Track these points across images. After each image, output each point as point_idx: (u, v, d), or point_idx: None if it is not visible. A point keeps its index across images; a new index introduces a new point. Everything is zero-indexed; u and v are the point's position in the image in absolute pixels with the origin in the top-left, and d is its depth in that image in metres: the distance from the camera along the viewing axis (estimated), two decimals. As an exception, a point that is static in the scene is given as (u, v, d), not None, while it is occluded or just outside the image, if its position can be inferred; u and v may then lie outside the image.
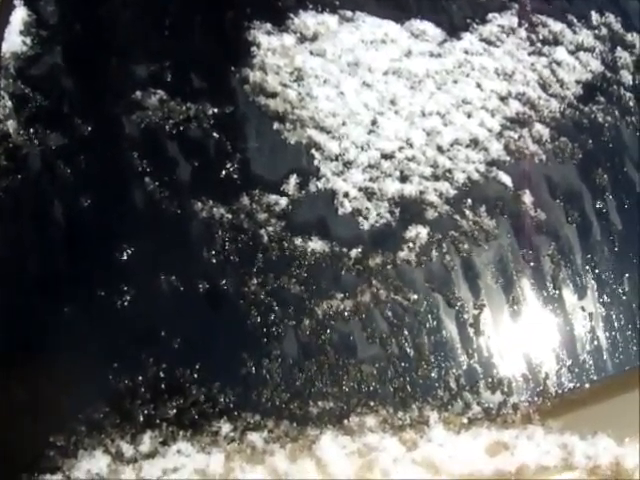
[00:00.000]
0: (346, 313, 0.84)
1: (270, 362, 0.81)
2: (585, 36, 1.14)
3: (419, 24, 1.04)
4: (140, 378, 0.76)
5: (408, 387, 0.84)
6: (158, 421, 0.75)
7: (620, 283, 0.97)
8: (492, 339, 0.88)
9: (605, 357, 0.94)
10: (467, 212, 0.92)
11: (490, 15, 1.10)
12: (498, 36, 1.08)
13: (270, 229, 0.86)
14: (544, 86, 1.06)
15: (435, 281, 0.88)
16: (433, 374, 0.85)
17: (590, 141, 1.05)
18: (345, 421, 0.81)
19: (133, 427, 0.74)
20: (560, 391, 0.90)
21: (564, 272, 0.94)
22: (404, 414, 0.83)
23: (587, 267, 0.96)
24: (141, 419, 0.75)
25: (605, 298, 0.96)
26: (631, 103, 1.11)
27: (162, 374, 0.77)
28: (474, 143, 0.97)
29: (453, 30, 1.06)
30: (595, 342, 0.94)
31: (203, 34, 0.95)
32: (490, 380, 0.87)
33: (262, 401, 0.80)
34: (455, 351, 0.87)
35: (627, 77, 1.14)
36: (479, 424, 0.85)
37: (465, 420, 0.85)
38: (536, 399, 0.89)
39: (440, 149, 0.95)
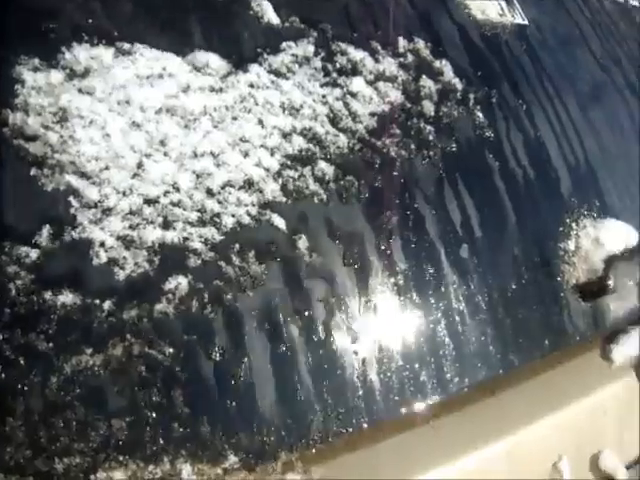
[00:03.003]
0: (96, 368, 0.93)
1: (14, 419, 0.89)
2: (387, 64, 1.24)
3: (202, 56, 1.11)
4: None
5: (160, 440, 0.94)
6: None
7: (397, 325, 1.08)
8: (253, 386, 0.98)
9: (376, 401, 1.05)
10: (234, 258, 1.01)
11: (285, 44, 1.19)
12: (290, 67, 1.17)
13: (19, 282, 0.93)
14: (334, 120, 1.15)
15: (194, 332, 0.97)
16: (187, 426, 0.94)
17: (379, 178, 1.14)
18: (92, 476, 0.90)
19: None
20: (325, 437, 1.01)
21: (337, 316, 1.04)
22: (155, 467, 0.92)
23: (363, 310, 1.07)
24: None
25: (380, 343, 1.06)
26: (430, 136, 1.22)
27: None
28: (248, 184, 1.06)
29: (240, 62, 1.14)
30: (367, 386, 1.04)
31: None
32: (249, 428, 0.97)
33: (5, 459, 0.88)
34: (212, 401, 0.96)
35: (429, 108, 1.25)
36: (236, 474, 0.96)
37: (219, 471, 0.95)
38: (299, 446, 0.99)
39: (210, 192, 1.04)
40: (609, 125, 1.51)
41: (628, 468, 1.29)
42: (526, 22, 1.48)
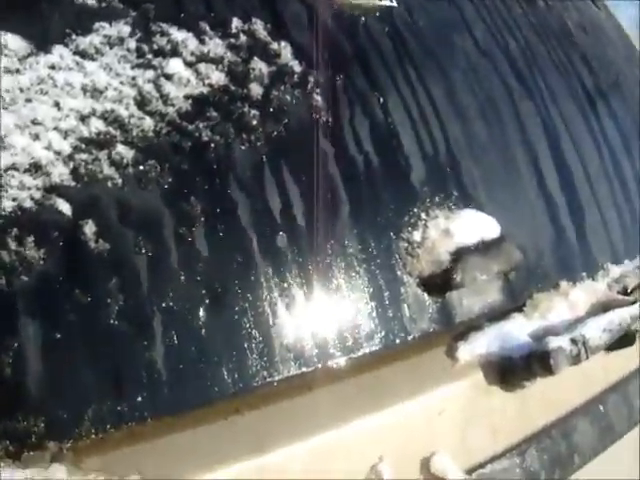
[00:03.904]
0: None
1: None
2: (213, 46, 1.24)
3: (1, 37, 1.12)
4: None
5: None
6: None
7: (192, 318, 1.07)
8: (22, 373, 0.98)
9: (159, 393, 1.04)
10: (10, 242, 1.01)
11: (98, 24, 1.19)
12: (99, 48, 1.17)
13: None
14: (141, 103, 1.15)
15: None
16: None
17: (187, 163, 1.14)
18: None
19: None
20: (102, 428, 1.01)
21: (121, 303, 1.04)
22: None
23: (154, 298, 1.06)
24: None
25: (171, 335, 1.06)
26: (254, 120, 1.21)
27: None
28: (34, 168, 1.06)
29: (44, 43, 1.14)
30: (148, 377, 1.04)
31: None
32: (14, 414, 0.97)
33: None
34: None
35: (257, 90, 1.24)
36: (-3, 462, 0.96)
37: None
38: (71, 435, 0.99)
39: (-10, 175, 1.04)
40: (483, 113, 1.49)
41: (471, 472, 1.26)
42: (394, 4, 1.46)
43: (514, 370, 1.32)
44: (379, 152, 1.32)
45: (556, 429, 1.42)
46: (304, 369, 1.16)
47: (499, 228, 1.38)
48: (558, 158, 1.61)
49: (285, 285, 1.17)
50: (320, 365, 1.17)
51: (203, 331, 1.10)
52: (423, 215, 1.33)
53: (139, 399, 1.05)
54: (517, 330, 1.37)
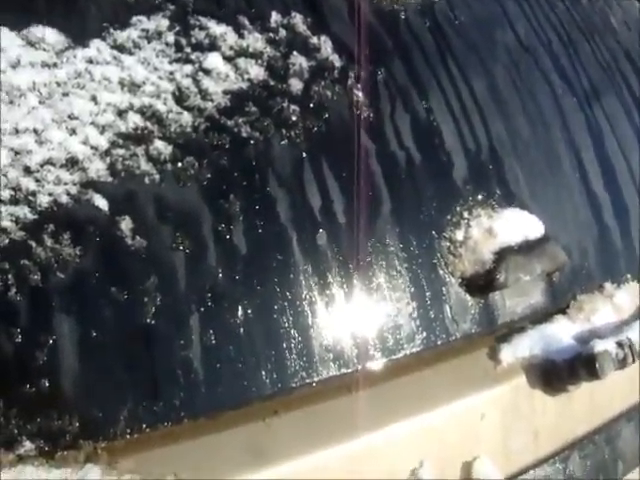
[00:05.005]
0: None
1: None
2: (253, 40, 1.19)
3: (39, 30, 1.08)
4: None
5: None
6: None
7: (232, 317, 1.03)
8: (57, 370, 0.94)
9: (197, 394, 1.00)
10: (46, 239, 0.97)
11: (135, 18, 1.15)
12: (137, 42, 1.13)
13: None
14: (179, 98, 1.10)
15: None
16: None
17: (225, 159, 1.09)
18: None
19: None
20: (137, 428, 0.96)
21: (160, 301, 0.99)
22: None
23: (191, 297, 1.02)
24: None
25: (210, 334, 1.01)
26: (294, 116, 1.16)
27: None
28: (71, 163, 1.02)
29: (82, 37, 1.10)
30: (187, 378, 0.99)
31: None
32: (49, 414, 0.93)
33: None
34: (8, 384, 0.93)
35: (297, 86, 1.19)
36: (31, 461, 0.92)
37: (12, 456, 0.91)
38: (106, 435, 0.95)
39: (27, 170, 1.00)
40: (525, 109, 1.42)
41: (513, 478, 1.20)
42: (435, -2, 1.40)
43: (558, 374, 1.25)
44: (421, 148, 1.26)
45: (599, 435, 1.35)
46: (343, 370, 1.10)
47: (543, 227, 1.31)
48: (602, 156, 1.53)
49: (325, 284, 1.12)
50: (360, 367, 1.12)
51: (241, 330, 1.05)
52: (466, 214, 1.27)
53: (175, 399, 1.00)
54: (561, 332, 1.30)
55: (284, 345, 1.07)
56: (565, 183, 1.44)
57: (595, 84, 1.62)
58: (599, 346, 1.22)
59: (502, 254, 1.24)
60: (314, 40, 1.25)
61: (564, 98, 1.51)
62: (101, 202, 1.03)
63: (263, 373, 1.05)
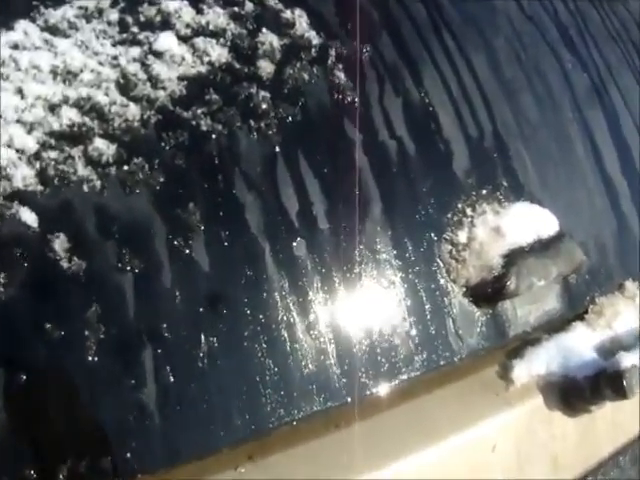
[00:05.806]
0: None
1: None
2: (214, 16, 0.99)
3: (-48, 11, 0.88)
4: None
5: None
6: None
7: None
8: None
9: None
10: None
11: (74, -6, 0.95)
12: (73, 23, 0.95)
13: None
14: (125, 87, 0.91)
15: None
16: None
17: (181, 158, 0.90)
18: None
19: None
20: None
21: (110, 334, 0.81)
22: None
23: (145, 325, 0.82)
24: None
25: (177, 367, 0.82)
26: (264, 104, 0.97)
27: None
28: (-6, 170, 0.82)
29: (5, 17, 0.92)
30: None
31: None
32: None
33: None
34: None
35: (267, 68, 1.00)
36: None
37: None
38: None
39: (-63, 182, 0.80)
40: (532, 87, 1.22)
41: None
42: (426, -36, 1.19)
43: (579, 393, 1.07)
44: (415, 137, 1.08)
45: (623, 456, 1.16)
46: (330, 404, 0.92)
47: (557, 223, 1.11)
48: (618, 137, 1.35)
49: (305, 303, 0.93)
50: (349, 399, 0.93)
51: (205, 364, 0.86)
52: (469, 211, 1.08)
53: (127, 453, 0.81)
54: (580, 343, 1.12)
55: (257, 378, 0.89)
56: (578, 169, 1.26)
57: (606, 56, 1.44)
58: (626, 360, 1.04)
59: (512, 257, 1.06)
60: (287, 14, 1.07)
61: (574, 73, 1.32)
62: (29, 217, 0.85)
63: (233, 413, 0.87)
